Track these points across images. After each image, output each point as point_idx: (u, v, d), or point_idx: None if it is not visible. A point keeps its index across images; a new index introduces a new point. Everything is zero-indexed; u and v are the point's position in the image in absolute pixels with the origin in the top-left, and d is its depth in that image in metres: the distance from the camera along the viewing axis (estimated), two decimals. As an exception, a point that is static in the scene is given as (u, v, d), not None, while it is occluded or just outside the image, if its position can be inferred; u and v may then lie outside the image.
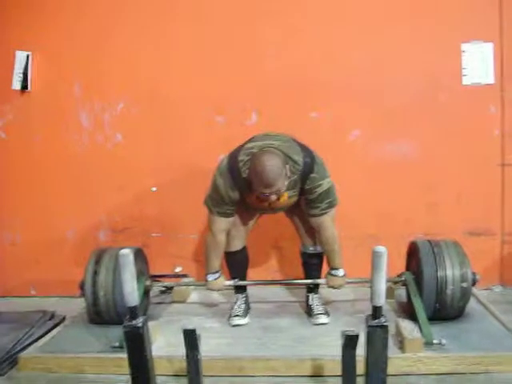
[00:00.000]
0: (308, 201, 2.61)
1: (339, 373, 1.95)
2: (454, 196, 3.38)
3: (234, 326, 2.77)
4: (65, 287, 3.55)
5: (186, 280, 3.39)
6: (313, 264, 2.92)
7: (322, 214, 2.62)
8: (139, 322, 1.80)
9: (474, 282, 2.66)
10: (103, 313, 2.73)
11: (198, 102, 3.43)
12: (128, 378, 2.01)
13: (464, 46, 3.32)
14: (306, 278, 2.96)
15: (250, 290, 3.02)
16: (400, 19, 3.35)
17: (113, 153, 3.52)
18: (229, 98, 3.42)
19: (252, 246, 2.98)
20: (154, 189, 3.52)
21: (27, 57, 3.46)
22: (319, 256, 2.89)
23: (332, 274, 2.76)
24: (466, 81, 3.34)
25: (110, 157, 3.51)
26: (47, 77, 3.50)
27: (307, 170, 2.52)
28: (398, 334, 2.44)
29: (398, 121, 3.38)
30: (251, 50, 3.39)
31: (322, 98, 3.38)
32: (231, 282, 2.87)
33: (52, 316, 3.07)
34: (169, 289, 3.32)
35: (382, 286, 1.70)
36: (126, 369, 1.98)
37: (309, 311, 2.87)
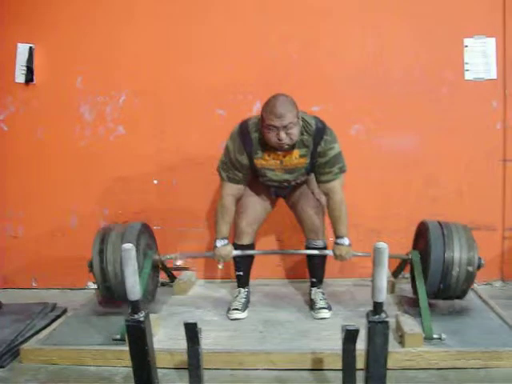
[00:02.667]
0: (321, 165, 2.64)
1: (339, 367, 1.95)
2: (456, 191, 3.38)
3: (233, 319, 2.78)
4: (66, 279, 3.58)
5: (187, 273, 3.40)
6: (317, 258, 2.92)
7: (334, 179, 2.67)
8: (141, 316, 1.81)
9: (479, 266, 2.65)
10: (113, 288, 2.73)
11: (200, 95, 3.43)
12: (129, 370, 2.02)
13: (466, 41, 3.31)
14: (311, 272, 2.97)
15: (251, 283, 3.03)
16: (402, 14, 3.34)
17: (115, 145, 3.52)
18: (230, 90, 3.41)
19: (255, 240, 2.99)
20: (156, 181, 3.52)
21: (29, 49, 3.45)
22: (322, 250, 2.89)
23: (338, 243, 2.75)
24: (468, 76, 3.34)
25: (112, 149, 3.51)
26: (49, 70, 3.50)
27: (320, 132, 2.59)
28: (398, 328, 2.45)
29: (400, 115, 3.38)
30: (253, 43, 3.39)
31: (324, 91, 3.38)
32: (239, 252, 2.86)
33: (53, 308, 3.07)
34: (170, 282, 3.34)
35: (383, 281, 1.71)
36: (127, 361, 1.99)
37: (311, 305, 2.88)
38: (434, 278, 2.64)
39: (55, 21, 3.48)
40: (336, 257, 2.77)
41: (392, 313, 2.54)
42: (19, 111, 3.54)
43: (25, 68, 3.46)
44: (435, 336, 2.37)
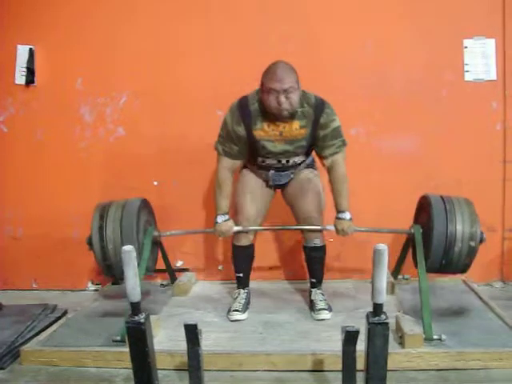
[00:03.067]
0: (324, 137, 2.68)
1: (340, 368, 1.95)
2: (456, 192, 3.37)
3: (233, 321, 2.77)
4: (66, 281, 3.58)
5: (187, 274, 3.41)
6: (316, 257, 2.92)
7: (338, 152, 2.71)
8: (141, 317, 1.81)
9: (481, 241, 2.66)
10: (113, 266, 2.73)
11: (200, 96, 3.43)
12: (129, 371, 2.02)
13: (466, 42, 3.32)
14: (310, 273, 2.96)
15: (251, 284, 3.03)
16: (402, 15, 3.35)
17: (115, 146, 3.53)
18: (230, 91, 3.40)
19: (255, 239, 2.99)
20: (156, 183, 3.53)
21: (29, 50, 3.46)
22: (322, 249, 2.90)
23: (340, 218, 2.76)
24: (468, 77, 3.34)
25: (112, 150, 3.52)
26: (49, 71, 3.51)
27: (320, 104, 2.65)
28: (398, 329, 2.45)
29: (400, 117, 3.38)
30: (253, 43, 3.39)
31: (323, 92, 3.35)
32: (240, 228, 2.84)
33: (54, 309, 3.08)
34: (170, 283, 3.34)
35: (382, 283, 1.71)
36: (128, 362, 1.99)
37: (311, 306, 2.87)
38: (437, 252, 2.64)
39: (55, 22, 3.49)
40: (338, 231, 2.78)
41: (392, 314, 2.55)
42: (19, 113, 3.55)
43: (25, 69, 3.47)
44: (435, 337, 2.37)
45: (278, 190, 2.98)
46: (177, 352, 2.32)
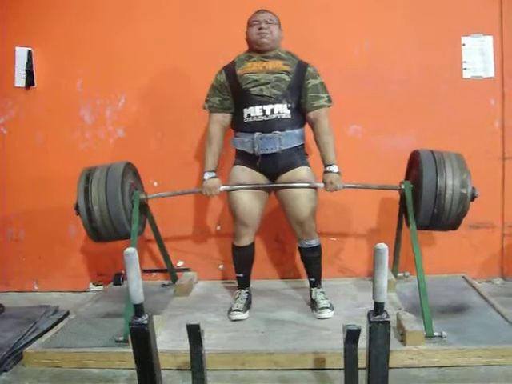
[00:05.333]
0: (311, 88, 2.77)
1: (341, 366, 1.96)
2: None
3: (234, 320, 2.78)
4: (68, 282, 3.58)
5: (188, 274, 3.41)
6: (311, 257, 2.91)
7: (324, 106, 2.78)
8: (145, 319, 1.82)
9: (473, 196, 2.63)
10: (100, 228, 2.73)
11: (200, 97, 3.41)
12: (132, 372, 2.03)
13: (464, 40, 3.32)
14: (308, 273, 2.97)
15: (252, 284, 3.04)
16: (400, 12, 3.35)
17: (114, 148, 3.54)
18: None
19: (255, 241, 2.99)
20: (156, 183, 3.53)
21: (28, 53, 3.46)
22: (316, 249, 2.89)
23: (327, 171, 2.73)
24: (466, 74, 3.35)
25: (111, 152, 3.52)
26: (49, 74, 3.52)
27: (303, 62, 2.82)
28: (399, 326, 2.46)
29: (398, 115, 3.39)
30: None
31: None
32: (227, 188, 2.81)
33: (55, 311, 3.09)
34: (171, 283, 3.35)
35: (383, 282, 1.72)
36: (131, 363, 2.01)
37: (313, 305, 2.87)
38: (427, 204, 2.61)
39: (54, 24, 3.49)
40: (326, 185, 2.71)
41: (393, 311, 2.56)
42: (19, 115, 3.55)
43: (24, 72, 3.47)
44: (436, 334, 2.38)
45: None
46: (179, 352, 2.33)
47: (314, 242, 2.87)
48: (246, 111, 2.77)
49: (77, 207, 2.75)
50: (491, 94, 3.35)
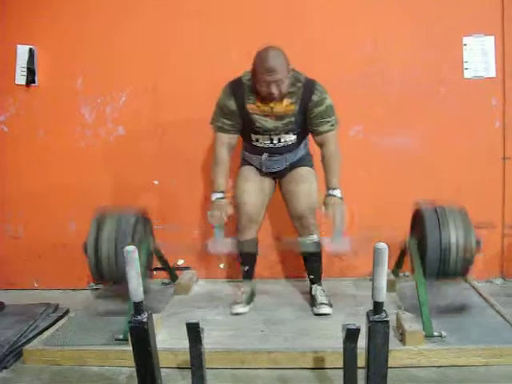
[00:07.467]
0: (318, 114, 2.72)
1: (341, 365, 1.96)
2: (455, 189, 3.39)
3: (234, 314, 2.82)
4: (68, 280, 3.58)
5: (188, 272, 3.42)
6: (312, 254, 2.93)
7: (332, 130, 2.76)
8: (144, 317, 1.82)
9: (478, 247, 2.63)
10: (105, 273, 2.74)
11: (200, 95, 3.43)
12: (132, 370, 2.03)
13: (465, 40, 3.32)
14: (307, 270, 2.99)
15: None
16: (401, 13, 3.34)
17: (115, 146, 3.54)
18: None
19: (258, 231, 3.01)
20: (156, 182, 3.54)
21: (29, 50, 3.46)
22: (315, 245, 2.89)
23: (330, 195, 2.72)
24: (467, 74, 3.34)
25: (112, 150, 3.53)
26: (49, 71, 3.51)
27: (310, 82, 2.72)
28: (399, 326, 2.46)
29: (400, 115, 3.38)
30: (253, 43, 3.37)
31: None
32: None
33: (56, 309, 3.09)
34: (171, 281, 3.35)
35: (383, 281, 1.72)
36: (130, 361, 2.00)
37: (312, 301, 2.89)
38: (433, 260, 2.60)
39: (55, 22, 3.48)
40: (327, 208, 2.66)
41: (392, 311, 2.56)
42: (20, 113, 3.55)
43: (25, 69, 3.47)
44: (436, 334, 2.38)
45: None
46: (179, 350, 2.33)
47: (313, 238, 2.88)
48: (253, 136, 2.82)
49: (85, 250, 2.75)
50: (492, 94, 3.34)
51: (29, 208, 3.60)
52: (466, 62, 3.33)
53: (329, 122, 2.74)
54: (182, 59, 3.45)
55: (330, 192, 2.73)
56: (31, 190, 3.58)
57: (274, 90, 2.58)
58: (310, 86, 2.70)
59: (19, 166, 3.59)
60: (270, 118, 2.73)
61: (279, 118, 2.73)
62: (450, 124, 3.35)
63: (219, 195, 2.76)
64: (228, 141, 2.82)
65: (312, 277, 2.97)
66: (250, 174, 2.91)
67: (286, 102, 2.68)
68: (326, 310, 2.78)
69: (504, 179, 3.39)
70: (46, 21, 3.49)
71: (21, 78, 3.49)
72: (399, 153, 3.40)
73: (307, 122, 2.77)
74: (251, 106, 2.72)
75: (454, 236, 2.61)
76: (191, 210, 3.53)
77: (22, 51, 3.47)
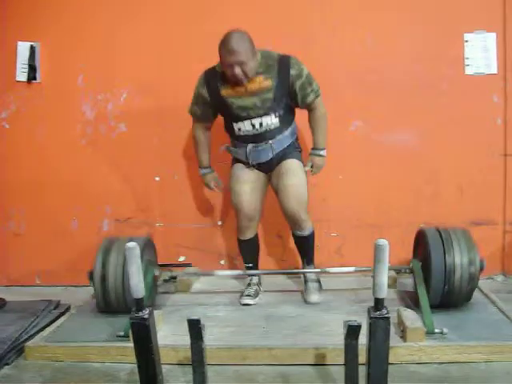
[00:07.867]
0: (301, 86, 2.76)
1: (342, 362, 1.96)
2: (456, 185, 3.39)
3: (243, 304, 2.90)
4: (69, 277, 3.59)
5: (189, 269, 3.42)
6: (304, 243, 3.02)
7: (317, 96, 2.83)
8: (145, 313, 1.82)
9: (481, 269, 2.65)
10: (112, 302, 2.75)
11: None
12: (133, 366, 2.03)
13: (467, 36, 3.31)
14: (299, 252, 3.10)
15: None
16: (402, 9, 3.34)
17: (116, 143, 3.54)
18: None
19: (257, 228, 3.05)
20: (158, 178, 3.54)
21: (30, 47, 3.46)
22: (310, 237, 2.99)
23: (315, 154, 2.93)
24: (468, 71, 3.34)
25: (113, 147, 3.53)
26: (50, 68, 3.52)
27: (284, 58, 2.75)
28: (400, 323, 2.46)
29: (401, 111, 3.38)
30: (254, 42, 3.38)
31: (323, 88, 3.36)
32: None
33: (57, 305, 3.09)
34: (173, 278, 3.34)
35: (384, 278, 1.71)
36: (131, 357, 2.01)
37: (304, 289, 3.01)
38: (437, 284, 2.63)
39: (56, 19, 3.49)
40: (311, 166, 2.95)
41: (393, 307, 2.56)
42: (21, 109, 3.55)
43: (26, 66, 3.47)
44: (437, 330, 2.38)
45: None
46: (180, 347, 2.33)
47: (305, 233, 2.96)
48: (235, 125, 2.85)
49: (91, 278, 2.75)
50: (494, 91, 3.34)
51: (30, 205, 3.60)
52: (468, 58, 3.33)
53: (312, 90, 2.79)
54: (183, 55, 3.44)
55: (318, 152, 2.92)
56: (33, 187, 3.58)
57: (238, 71, 2.61)
58: (284, 62, 2.74)
59: (20, 162, 3.59)
60: (246, 97, 2.75)
61: (255, 93, 2.74)
62: (451, 120, 3.35)
63: (206, 170, 3.08)
64: (202, 125, 3.00)
65: (304, 259, 3.07)
66: (241, 174, 2.94)
67: (259, 79, 2.72)
68: (314, 298, 2.90)
69: (505, 176, 3.39)
70: (47, 18, 3.49)
71: (21, 75, 3.49)
72: (400, 148, 3.40)
73: (291, 97, 2.79)
74: (226, 91, 2.76)
75: (459, 257, 2.62)
76: (192, 206, 3.54)
77: (23, 48, 3.47)
